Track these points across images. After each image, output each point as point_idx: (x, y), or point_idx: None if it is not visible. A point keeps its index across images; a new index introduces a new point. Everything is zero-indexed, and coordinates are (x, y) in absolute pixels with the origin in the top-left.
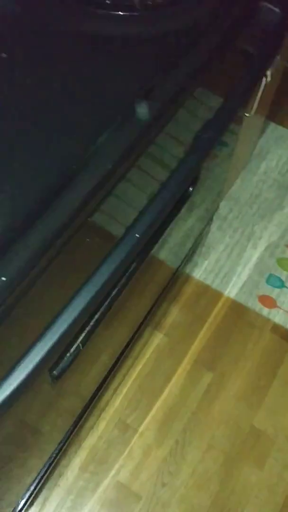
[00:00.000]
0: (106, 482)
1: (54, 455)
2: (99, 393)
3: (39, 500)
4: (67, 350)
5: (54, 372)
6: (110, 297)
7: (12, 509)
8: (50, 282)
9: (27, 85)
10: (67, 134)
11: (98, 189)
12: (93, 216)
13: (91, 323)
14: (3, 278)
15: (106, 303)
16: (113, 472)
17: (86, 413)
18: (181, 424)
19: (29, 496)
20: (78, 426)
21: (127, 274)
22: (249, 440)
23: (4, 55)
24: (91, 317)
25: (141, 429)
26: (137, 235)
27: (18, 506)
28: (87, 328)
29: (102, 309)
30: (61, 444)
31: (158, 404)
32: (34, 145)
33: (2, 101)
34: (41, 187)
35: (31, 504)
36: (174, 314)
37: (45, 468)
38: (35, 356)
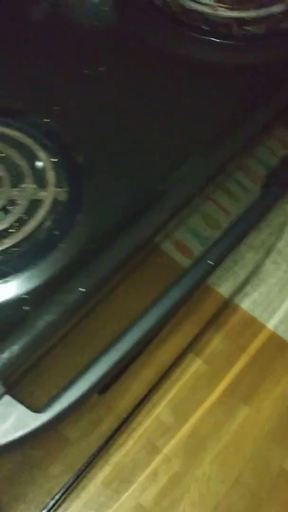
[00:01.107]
0: (127, 502)
1: (82, 467)
2: (134, 412)
3: (59, 510)
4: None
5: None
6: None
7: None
8: (119, 300)
9: (120, 101)
10: (152, 154)
11: (179, 212)
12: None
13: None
14: (83, 289)
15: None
16: (136, 493)
17: (118, 431)
18: (210, 455)
19: (52, 506)
20: (108, 443)
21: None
22: (278, 482)
23: (102, 68)
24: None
25: (169, 453)
26: (210, 262)
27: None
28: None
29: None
30: (90, 458)
31: (189, 431)
32: (122, 161)
33: (98, 113)
34: (126, 204)
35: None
36: (216, 342)
37: (71, 480)
38: (91, 378)
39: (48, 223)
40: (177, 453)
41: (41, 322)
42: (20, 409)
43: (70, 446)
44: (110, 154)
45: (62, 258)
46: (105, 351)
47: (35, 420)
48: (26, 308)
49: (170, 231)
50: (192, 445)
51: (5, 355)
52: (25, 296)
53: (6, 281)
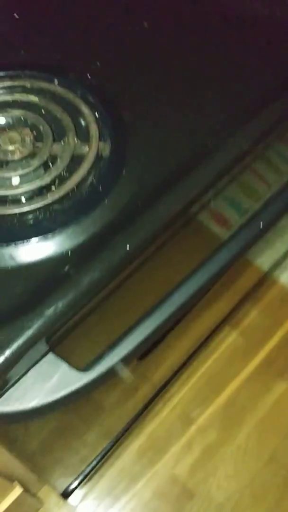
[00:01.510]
0: (161, 472)
1: (117, 436)
2: (170, 382)
3: (95, 477)
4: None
5: None
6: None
7: (69, 483)
8: (158, 264)
9: (166, 57)
10: (200, 110)
11: (228, 170)
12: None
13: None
14: (128, 247)
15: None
16: (170, 463)
17: (154, 400)
18: (245, 428)
19: (88, 472)
20: (144, 412)
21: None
22: None
23: (147, 24)
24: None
25: (204, 425)
26: (261, 223)
27: (75, 480)
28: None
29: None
30: (125, 426)
31: (224, 403)
32: (168, 116)
33: (143, 68)
34: (173, 160)
35: (89, 480)
36: (253, 316)
37: (107, 447)
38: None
39: (91, 179)
40: (212, 425)
41: (86, 279)
42: (64, 367)
43: (105, 413)
44: (155, 109)
45: (106, 215)
46: (147, 315)
47: (79, 379)
48: (70, 265)
49: (211, 200)
50: (227, 418)
51: (50, 311)
52: (69, 253)
53: (50, 238)
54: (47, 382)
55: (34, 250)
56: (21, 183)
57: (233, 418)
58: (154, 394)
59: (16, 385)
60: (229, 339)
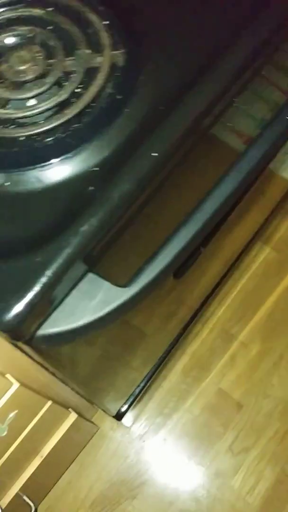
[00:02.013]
0: (208, 387)
1: (161, 358)
2: (206, 303)
3: (144, 399)
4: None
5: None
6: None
7: (120, 406)
8: (186, 174)
9: None
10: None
11: (245, 70)
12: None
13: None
14: (155, 154)
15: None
16: (215, 379)
17: (192, 322)
18: (285, 339)
19: (137, 395)
20: (184, 333)
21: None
22: None
23: None
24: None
25: (244, 340)
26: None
27: (126, 403)
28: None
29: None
30: (168, 348)
31: (263, 318)
32: (183, 20)
33: None
34: (189, 62)
35: (139, 402)
36: (284, 229)
37: (153, 370)
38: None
39: (108, 90)
40: (253, 339)
41: (116, 193)
42: (106, 285)
43: (147, 339)
44: (170, 14)
45: (128, 124)
46: (180, 226)
47: (121, 295)
48: (98, 180)
49: (233, 101)
50: (267, 331)
51: (84, 228)
52: (96, 168)
53: (74, 155)
54: (91, 300)
55: (60, 170)
56: (37, 103)
57: (273, 331)
58: (192, 316)
59: (61, 306)
60: (262, 255)
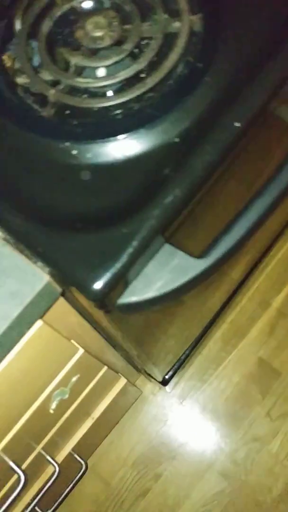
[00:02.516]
0: (247, 355)
1: (205, 327)
2: (249, 276)
3: (185, 365)
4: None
5: None
6: None
7: (165, 373)
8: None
9: None
10: None
11: None
12: None
13: None
14: (238, 124)
15: None
16: (254, 347)
17: (237, 292)
18: None
19: (181, 362)
20: (229, 303)
21: None
22: None
23: None
24: None
25: (284, 310)
26: None
27: (170, 370)
28: None
29: None
30: (214, 317)
31: None
32: None
33: None
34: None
35: (180, 368)
36: None
37: (197, 338)
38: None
39: (188, 57)
40: None
41: (199, 164)
42: (182, 256)
43: (195, 309)
44: None
45: (209, 93)
46: (255, 197)
47: (198, 266)
48: (180, 152)
49: None
50: None
51: (168, 200)
52: (176, 139)
53: (154, 126)
54: (168, 271)
55: (140, 142)
56: (116, 71)
57: None
58: (236, 286)
59: (140, 276)
60: None
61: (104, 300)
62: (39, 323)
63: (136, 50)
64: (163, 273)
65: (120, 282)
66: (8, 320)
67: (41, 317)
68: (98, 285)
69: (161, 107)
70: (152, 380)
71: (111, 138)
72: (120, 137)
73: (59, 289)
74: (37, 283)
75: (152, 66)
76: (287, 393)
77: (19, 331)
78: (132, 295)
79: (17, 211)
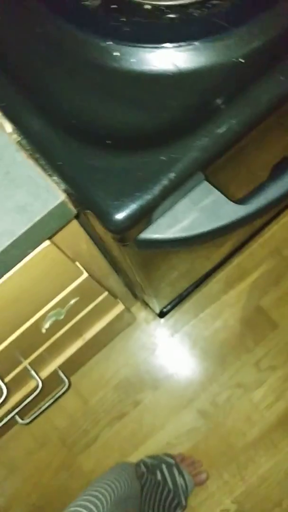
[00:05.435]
0: (247, 301)
1: (213, 268)
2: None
3: (186, 301)
4: None
5: None
6: None
7: (164, 306)
8: None
9: None
10: None
11: None
12: None
13: None
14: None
15: None
16: (256, 294)
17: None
18: None
19: (182, 298)
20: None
21: None
22: None
23: None
24: None
25: None
26: None
27: (169, 304)
28: None
29: None
30: (222, 260)
31: None
32: None
33: None
34: None
35: (178, 303)
36: None
37: (202, 278)
38: None
39: None
40: None
41: (263, 95)
42: (220, 199)
43: (206, 252)
44: None
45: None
46: None
47: (237, 212)
48: (242, 76)
49: None
50: None
51: (221, 130)
52: (241, 60)
53: (218, 39)
54: (200, 212)
55: (198, 55)
56: None
57: None
58: (250, 235)
59: (170, 212)
60: None
61: (125, 233)
62: (45, 243)
63: None
64: (195, 213)
65: (146, 216)
66: (12, 237)
67: (49, 238)
68: (120, 215)
69: (230, 19)
70: (148, 309)
71: (163, 45)
72: (172, 45)
73: (74, 210)
74: (50, 201)
75: None
76: (280, 346)
77: (23, 250)
78: (155, 232)
79: (39, 113)
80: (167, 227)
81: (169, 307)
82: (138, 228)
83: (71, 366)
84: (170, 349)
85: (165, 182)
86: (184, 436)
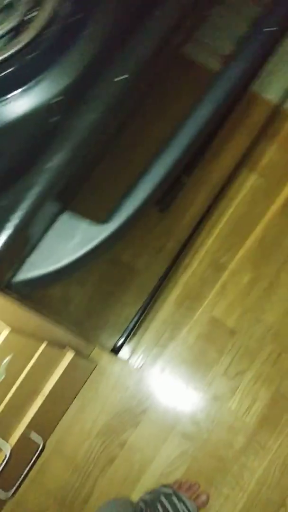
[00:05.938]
0: (201, 316)
1: (153, 290)
2: (194, 234)
3: (140, 332)
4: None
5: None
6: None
7: (116, 340)
8: (160, 100)
9: None
10: None
11: None
12: None
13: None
14: (120, 77)
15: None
16: (208, 308)
17: (182, 253)
18: (275, 265)
19: (132, 328)
20: (174, 265)
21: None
22: None
23: None
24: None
25: (235, 269)
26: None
27: (122, 337)
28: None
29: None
30: (159, 281)
31: (252, 245)
32: None
33: None
34: None
35: (134, 335)
36: (270, 154)
37: (145, 303)
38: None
39: (65, 8)
40: (243, 267)
41: (82, 124)
42: (83, 224)
43: (138, 275)
44: None
45: (90, 47)
46: (157, 158)
47: (100, 233)
48: (63, 111)
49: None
50: (257, 258)
51: (50, 165)
52: (59, 98)
53: (33, 85)
54: (69, 241)
55: (19, 104)
56: None
57: (263, 258)
58: (181, 248)
59: (38, 249)
60: (249, 182)
61: None
62: None
63: (11, 4)
64: (63, 243)
65: (9, 256)
66: None
67: None
68: None
69: (39, 65)
70: (105, 349)
71: None
72: None
73: None
74: None
75: (26, 22)
76: (242, 350)
77: None
78: (30, 270)
79: None
80: (39, 263)
81: (121, 340)
82: (8, 269)
83: (44, 425)
84: (140, 383)
85: (14, 222)
86: (175, 463)
